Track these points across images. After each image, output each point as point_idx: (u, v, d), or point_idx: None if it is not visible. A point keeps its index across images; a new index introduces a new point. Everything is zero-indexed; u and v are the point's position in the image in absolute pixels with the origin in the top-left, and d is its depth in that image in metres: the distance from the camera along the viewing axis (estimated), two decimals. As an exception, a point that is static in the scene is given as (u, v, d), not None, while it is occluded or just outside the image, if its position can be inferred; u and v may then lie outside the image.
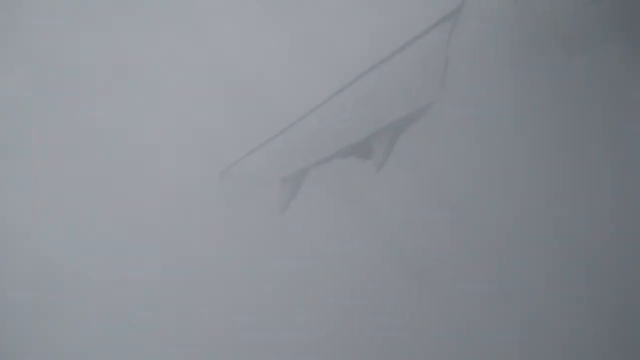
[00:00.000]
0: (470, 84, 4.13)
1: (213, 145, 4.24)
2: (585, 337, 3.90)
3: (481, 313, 4.06)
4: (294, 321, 4.16)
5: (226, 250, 4.23)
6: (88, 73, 4.26)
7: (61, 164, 4.25)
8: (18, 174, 4.25)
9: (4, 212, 4.21)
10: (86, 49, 4.26)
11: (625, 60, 3.97)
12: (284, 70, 4.19)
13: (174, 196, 4.23)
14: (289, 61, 4.19)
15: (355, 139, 4.19)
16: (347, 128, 4.20)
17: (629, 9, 3.91)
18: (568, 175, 4.06)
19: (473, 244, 4.15)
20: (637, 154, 3.99)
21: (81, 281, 4.19)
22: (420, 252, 4.17)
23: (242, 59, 4.18)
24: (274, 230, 4.23)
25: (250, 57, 4.19)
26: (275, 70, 4.19)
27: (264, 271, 4.21)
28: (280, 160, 4.24)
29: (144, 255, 4.21)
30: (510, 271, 4.08)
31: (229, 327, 4.15)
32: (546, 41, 4.05)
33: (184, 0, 4.22)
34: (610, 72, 4.01)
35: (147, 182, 4.22)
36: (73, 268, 4.21)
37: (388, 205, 4.21)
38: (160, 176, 4.23)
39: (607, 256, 3.96)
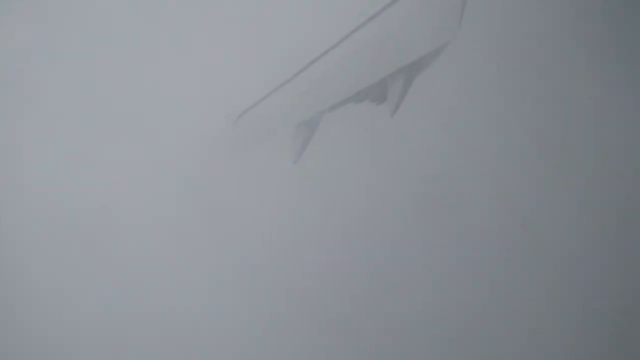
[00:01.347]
0: (489, 21, 4.01)
1: (225, 91, 4.16)
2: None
3: (495, 246, 4.00)
4: (309, 266, 4.12)
5: (240, 198, 4.17)
6: (90, 16, 4.14)
7: (66, 113, 4.16)
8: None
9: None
10: None
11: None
12: (294, 15, 4.09)
13: (184, 145, 4.15)
14: (301, 3, 4.09)
15: (369, 83, 4.10)
16: (361, 71, 4.10)
17: None
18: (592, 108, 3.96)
19: (490, 176, 4.07)
20: None
21: (93, 228, 4.13)
22: (436, 184, 4.10)
23: (252, 11, 4.09)
24: (289, 176, 4.16)
25: (259, 6, 4.09)
26: (286, 14, 4.09)
27: (279, 219, 4.16)
28: (294, 106, 4.15)
29: (156, 207, 4.15)
30: (521, 198, 4.01)
31: (243, 271, 4.11)
32: None
33: None
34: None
35: (157, 131, 4.15)
36: (86, 212, 4.14)
37: (405, 149, 4.13)
38: (171, 125, 4.15)
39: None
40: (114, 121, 4.11)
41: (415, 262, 4.05)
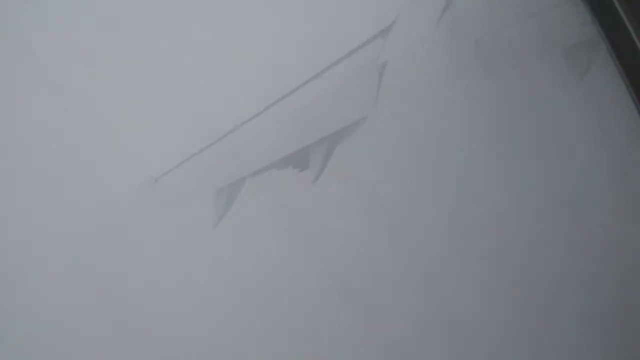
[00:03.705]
0: (403, 98, 4.26)
1: (142, 155, 4.02)
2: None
3: (417, 340, 4.01)
4: (225, 336, 3.90)
5: (156, 264, 3.94)
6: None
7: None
8: None
9: None
10: None
11: (546, 75, 4.29)
12: (219, 79, 4.13)
13: (99, 210, 3.90)
14: (225, 69, 4.14)
15: (292, 151, 4.15)
16: (283, 139, 4.15)
17: (547, 27, 4.27)
18: (499, 182, 4.22)
19: (409, 256, 4.14)
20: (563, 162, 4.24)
21: None
22: (354, 265, 4.11)
23: (173, 65, 4.07)
24: (206, 243, 4.01)
25: (182, 63, 4.09)
26: (209, 79, 4.12)
27: (196, 285, 3.95)
28: (215, 171, 4.08)
29: (67, 275, 3.80)
30: (450, 288, 4.10)
31: (160, 340, 3.80)
32: (468, 59, 4.31)
33: None
34: (532, 88, 4.30)
35: (71, 195, 3.87)
36: None
37: (324, 217, 4.14)
38: (85, 188, 3.91)
39: None
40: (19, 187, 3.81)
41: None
